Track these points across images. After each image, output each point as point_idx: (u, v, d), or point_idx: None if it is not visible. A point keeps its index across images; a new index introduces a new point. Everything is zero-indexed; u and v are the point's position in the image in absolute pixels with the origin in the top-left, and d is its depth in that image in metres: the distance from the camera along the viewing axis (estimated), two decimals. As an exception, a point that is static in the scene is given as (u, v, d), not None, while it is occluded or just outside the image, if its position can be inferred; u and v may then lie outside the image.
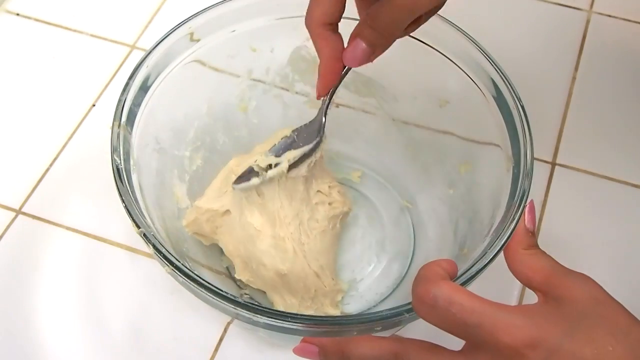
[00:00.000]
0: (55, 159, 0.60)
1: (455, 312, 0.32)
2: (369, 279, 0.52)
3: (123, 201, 0.40)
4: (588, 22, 0.68)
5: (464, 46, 0.46)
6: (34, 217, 0.56)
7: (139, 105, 0.44)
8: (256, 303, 0.37)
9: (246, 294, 0.50)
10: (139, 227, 0.39)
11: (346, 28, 0.40)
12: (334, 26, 0.40)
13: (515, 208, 0.39)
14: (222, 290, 0.37)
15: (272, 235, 0.46)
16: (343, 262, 0.52)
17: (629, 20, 0.69)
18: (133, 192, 0.41)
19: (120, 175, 0.40)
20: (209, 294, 0.37)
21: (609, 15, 0.69)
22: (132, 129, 0.43)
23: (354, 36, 0.39)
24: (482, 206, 0.45)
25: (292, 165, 0.45)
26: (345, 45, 0.40)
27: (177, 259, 0.38)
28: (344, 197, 0.50)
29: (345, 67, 0.41)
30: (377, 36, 0.38)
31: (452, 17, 0.46)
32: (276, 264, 0.45)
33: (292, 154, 0.45)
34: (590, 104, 0.63)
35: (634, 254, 0.54)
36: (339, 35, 0.40)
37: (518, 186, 0.40)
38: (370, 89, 0.54)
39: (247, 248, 0.46)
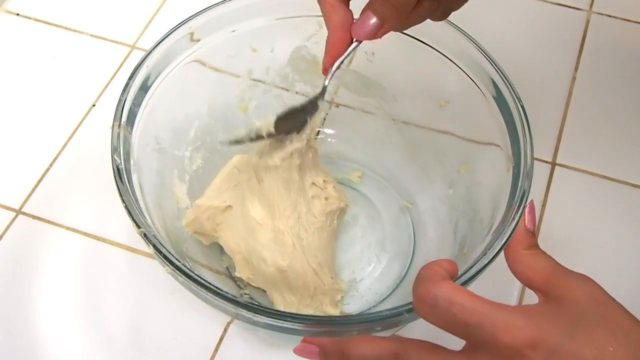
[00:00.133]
0: (55, 159, 0.60)
1: (455, 312, 0.32)
2: (369, 279, 0.52)
3: (123, 201, 0.40)
4: (588, 22, 0.68)
5: (464, 46, 0.46)
6: (34, 217, 0.56)
7: (139, 105, 0.44)
8: (256, 303, 0.37)
9: (246, 294, 0.50)
10: (139, 227, 0.39)
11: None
12: (345, 0, 0.40)
13: (515, 208, 0.39)
14: (222, 290, 0.37)
15: (273, 229, 0.46)
16: (343, 262, 0.52)
17: (629, 20, 0.69)
18: (133, 192, 0.41)
19: (121, 175, 0.40)
20: (209, 294, 0.37)
21: (609, 15, 0.69)
22: (132, 129, 0.43)
23: (365, 9, 0.39)
24: (482, 206, 0.45)
25: (289, 131, 0.44)
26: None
27: (177, 259, 0.38)
28: (339, 193, 0.50)
29: (353, 41, 0.41)
30: (389, 9, 0.38)
31: (452, 17, 0.46)
32: (276, 258, 0.46)
33: (283, 111, 0.44)
34: (590, 104, 0.63)
35: (634, 254, 0.54)
36: (350, 10, 0.40)
37: (518, 186, 0.40)
38: (370, 89, 0.54)
39: (248, 243, 0.46)
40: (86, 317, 0.51)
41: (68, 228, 0.56)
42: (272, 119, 0.43)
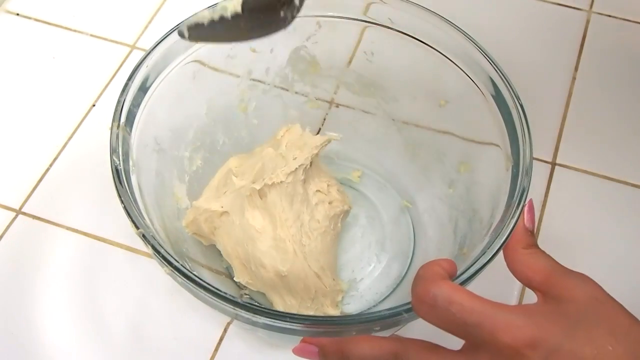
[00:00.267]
0: (55, 159, 0.60)
1: (455, 311, 0.32)
2: (368, 278, 0.52)
3: (122, 202, 0.40)
4: (588, 22, 0.68)
5: (464, 46, 0.46)
6: (34, 217, 0.56)
7: (138, 105, 0.44)
8: (255, 303, 0.37)
9: (246, 294, 0.50)
10: (137, 228, 0.39)
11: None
12: None
13: (515, 207, 0.39)
14: (221, 291, 0.37)
15: (273, 237, 0.46)
16: (343, 262, 0.52)
17: (629, 20, 0.68)
18: (132, 192, 0.41)
19: (119, 176, 0.40)
20: (208, 294, 0.37)
21: (609, 15, 0.69)
22: (131, 130, 0.43)
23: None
24: (481, 205, 0.45)
25: (258, 21, 0.39)
26: None
27: (176, 260, 0.38)
28: (343, 195, 0.50)
29: None
30: None
31: (452, 17, 0.47)
32: (276, 264, 0.45)
33: None
34: (590, 104, 0.63)
35: (634, 253, 0.54)
36: None
37: (517, 185, 0.40)
38: (370, 89, 0.54)
39: (246, 250, 0.46)
40: (86, 317, 0.51)
41: (68, 228, 0.56)
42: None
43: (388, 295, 0.51)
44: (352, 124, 0.57)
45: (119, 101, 0.43)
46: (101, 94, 0.64)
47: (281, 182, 0.46)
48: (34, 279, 0.53)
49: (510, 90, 0.43)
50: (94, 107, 0.63)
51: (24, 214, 0.56)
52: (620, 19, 0.69)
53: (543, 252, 0.37)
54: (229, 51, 0.50)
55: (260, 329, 0.37)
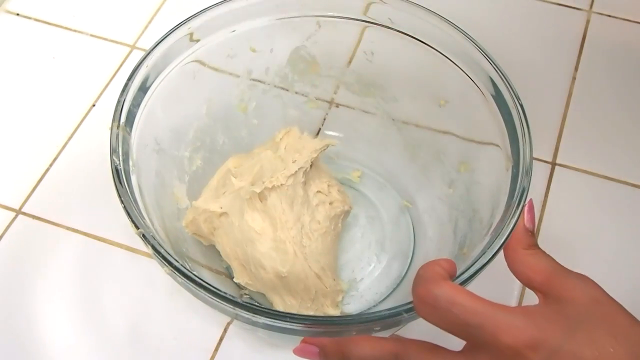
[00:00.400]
0: (55, 159, 0.60)
1: (457, 312, 0.32)
2: (369, 278, 0.52)
3: (122, 202, 0.40)
4: (588, 22, 0.68)
5: (464, 46, 0.46)
6: (34, 217, 0.56)
7: (138, 105, 0.44)
8: (255, 303, 0.37)
9: (246, 294, 0.50)
10: (137, 228, 0.39)
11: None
12: None
13: (515, 207, 0.39)
14: (220, 291, 0.37)
15: (273, 239, 0.46)
16: (343, 262, 0.52)
17: (629, 20, 0.68)
18: (132, 192, 0.41)
19: (119, 176, 0.40)
20: (207, 294, 0.37)
21: (609, 15, 0.69)
22: (131, 130, 0.43)
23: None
24: (481, 205, 0.45)
25: None
26: None
27: (176, 260, 0.38)
28: (343, 195, 0.50)
29: None
30: None
31: (452, 17, 0.47)
32: (276, 266, 0.45)
33: None
34: (590, 104, 0.63)
35: (634, 253, 0.54)
36: None
37: (517, 185, 0.40)
38: (370, 88, 0.54)
39: (246, 251, 0.46)
40: (86, 317, 0.51)
41: (68, 228, 0.56)
42: None
43: (388, 295, 0.51)
44: (352, 124, 0.57)
45: (119, 101, 0.43)
46: (101, 94, 0.64)
47: (281, 185, 0.46)
48: (34, 279, 0.53)
49: (510, 90, 0.43)
50: (94, 107, 0.63)
51: (24, 214, 0.56)
52: (620, 19, 0.69)
53: (544, 252, 0.37)
54: (229, 51, 0.50)
55: (260, 329, 0.37)
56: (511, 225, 0.38)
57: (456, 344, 0.34)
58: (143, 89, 0.44)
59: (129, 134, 0.43)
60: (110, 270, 0.54)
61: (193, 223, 0.49)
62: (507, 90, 0.43)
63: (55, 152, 0.60)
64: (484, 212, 0.44)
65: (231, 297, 0.36)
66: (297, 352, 0.38)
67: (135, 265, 0.54)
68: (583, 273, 0.35)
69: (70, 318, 0.51)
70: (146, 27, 0.68)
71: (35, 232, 0.55)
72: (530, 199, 0.39)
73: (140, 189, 0.42)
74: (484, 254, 0.38)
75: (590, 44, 0.66)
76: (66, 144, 0.60)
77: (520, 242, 0.38)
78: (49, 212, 0.56)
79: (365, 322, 0.36)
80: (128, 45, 0.67)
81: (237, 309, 0.36)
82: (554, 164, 0.59)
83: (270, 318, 0.36)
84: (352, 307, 0.50)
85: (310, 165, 0.48)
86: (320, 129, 0.58)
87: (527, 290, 0.50)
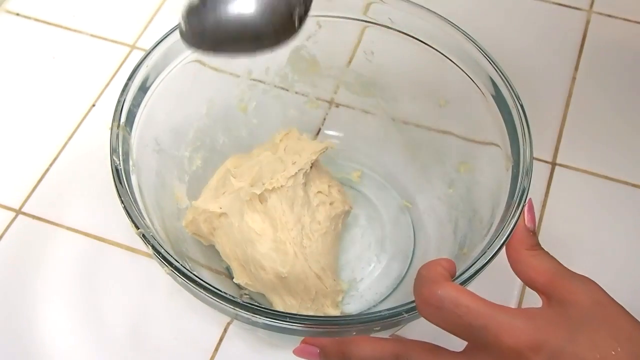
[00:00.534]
0: (55, 159, 0.60)
1: (461, 314, 0.32)
2: (369, 278, 0.52)
3: (122, 202, 0.40)
4: (588, 22, 0.68)
5: (464, 46, 0.46)
6: (34, 217, 0.56)
7: (138, 105, 0.44)
8: (255, 303, 0.37)
9: (246, 294, 0.50)
10: (138, 228, 0.39)
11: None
12: None
13: (515, 207, 0.39)
14: (220, 291, 0.37)
15: (273, 239, 0.46)
16: (343, 262, 0.52)
17: (629, 20, 0.68)
18: (132, 192, 0.41)
19: (120, 176, 0.40)
20: (207, 294, 0.37)
21: (609, 15, 0.69)
22: (131, 130, 0.43)
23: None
24: (481, 205, 0.45)
25: None
26: None
27: (176, 260, 0.38)
28: (343, 195, 0.50)
29: None
30: None
31: (452, 17, 0.46)
32: (276, 266, 0.45)
33: None
34: (590, 104, 0.63)
35: (634, 253, 0.54)
36: None
37: (517, 185, 0.40)
38: (370, 88, 0.54)
39: (245, 251, 0.46)
40: (86, 317, 0.51)
41: (68, 228, 0.56)
42: None
43: (388, 295, 0.51)
44: (352, 124, 0.57)
45: (119, 101, 0.43)
46: (101, 94, 0.64)
47: (281, 186, 0.46)
48: (34, 279, 0.53)
49: (510, 90, 0.43)
50: (94, 107, 0.63)
51: (24, 214, 0.56)
52: (620, 19, 0.69)
53: (546, 253, 0.37)
54: (229, 51, 0.50)
55: (260, 329, 0.37)
56: (511, 226, 0.38)
57: (457, 344, 0.34)
58: (143, 88, 0.44)
59: (129, 133, 0.43)
60: (110, 270, 0.54)
61: (193, 223, 0.49)
62: (507, 90, 0.43)
63: (55, 152, 0.60)
64: (484, 212, 0.44)
65: (231, 297, 0.36)
66: (297, 352, 0.38)
67: (135, 265, 0.54)
68: (583, 273, 0.35)
69: (70, 318, 0.51)
70: (146, 27, 0.68)
71: (35, 232, 0.55)
72: (530, 199, 0.39)
73: (140, 189, 0.42)
74: (484, 254, 0.38)
75: (590, 44, 0.66)
76: (66, 144, 0.60)
77: (522, 243, 0.38)
78: (49, 212, 0.56)
79: (365, 322, 0.36)
80: (128, 45, 0.67)
81: (237, 309, 0.36)
82: (554, 164, 0.59)
83: (270, 318, 0.36)
84: (352, 307, 0.50)
85: (310, 167, 0.48)
86: (320, 128, 0.58)
87: (527, 290, 0.50)
